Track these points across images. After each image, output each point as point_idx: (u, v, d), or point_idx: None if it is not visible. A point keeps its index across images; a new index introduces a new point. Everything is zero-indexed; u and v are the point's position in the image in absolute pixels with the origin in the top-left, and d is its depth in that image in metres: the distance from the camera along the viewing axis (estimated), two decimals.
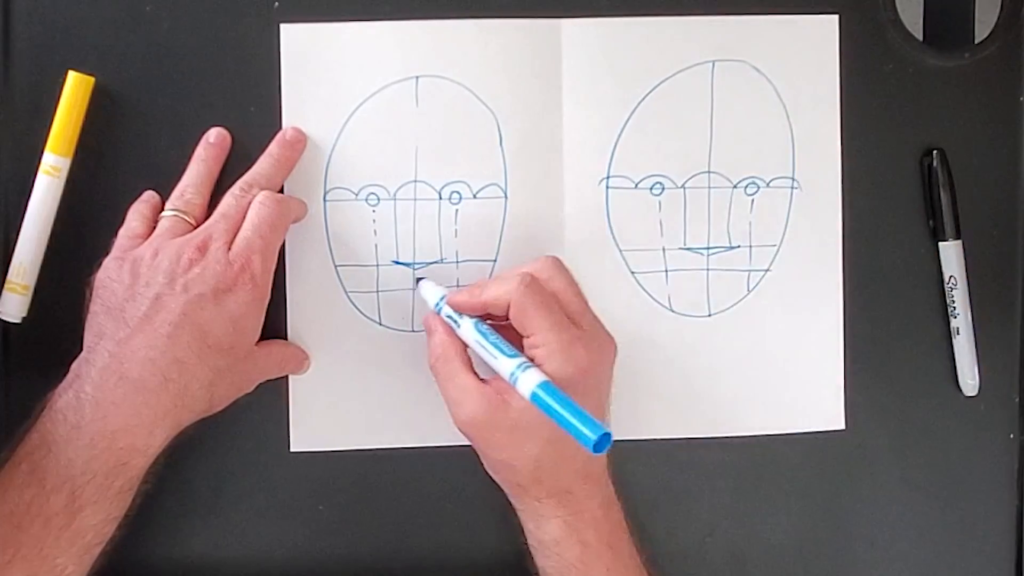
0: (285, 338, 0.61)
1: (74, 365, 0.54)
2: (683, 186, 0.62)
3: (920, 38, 0.64)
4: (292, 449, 0.62)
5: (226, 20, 0.60)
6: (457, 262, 0.62)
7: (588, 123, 0.62)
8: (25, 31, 0.60)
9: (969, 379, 0.64)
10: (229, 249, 0.56)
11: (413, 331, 0.62)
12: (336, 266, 0.61)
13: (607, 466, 0.59)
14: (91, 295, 0.56)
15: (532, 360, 0.54)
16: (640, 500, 0.63)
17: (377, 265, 0.61)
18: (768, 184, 0.63)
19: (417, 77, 0.61)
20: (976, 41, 0.64)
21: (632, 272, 0.62)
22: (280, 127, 0.60)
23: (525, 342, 0.55)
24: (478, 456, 0.58)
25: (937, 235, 0.64)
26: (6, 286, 0.59)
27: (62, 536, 0.51)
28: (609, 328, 0.58)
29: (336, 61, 0.60)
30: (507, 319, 0.55)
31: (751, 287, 0.63)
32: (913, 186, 0.64)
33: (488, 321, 0.56)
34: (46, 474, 0.51)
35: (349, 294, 0.61)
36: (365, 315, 0.61)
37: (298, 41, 0.60)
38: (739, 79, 0.62)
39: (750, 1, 0.62)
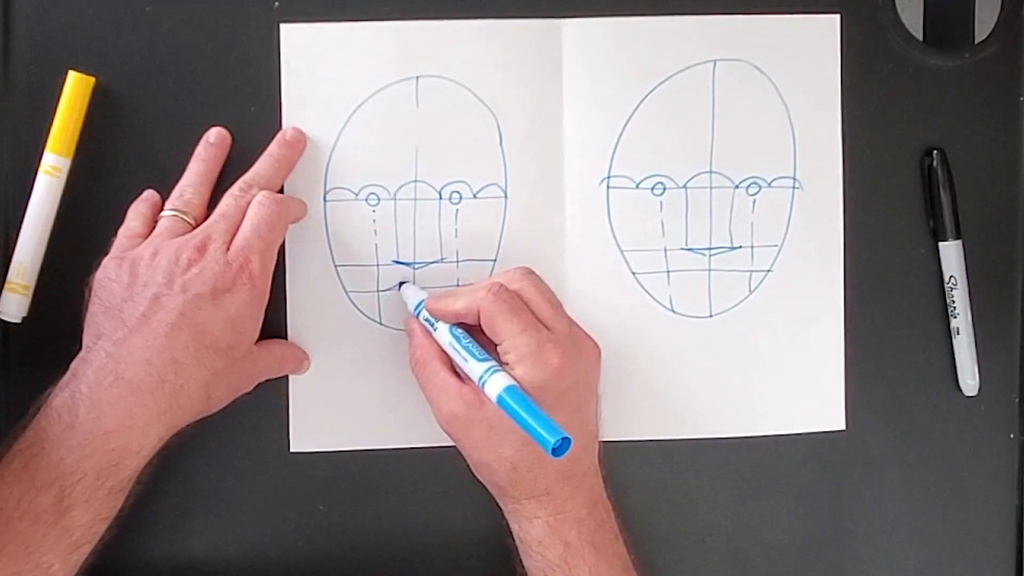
0: (285, 338, 0.61)
1: (72, 364, 0.54)
2: (684, 186, 0.62)
3: (920, 38, 0.64)
4: (292, 449, 0.61)
5: (226, 20, 0.60)
6: (457, 262, 0.62)
7: (589, 123, 0.62)
8: (25, 31, 0.59)
9: (969, 379, 0.64)
10: (228, 249, 0.55)
11: None
12: (336, 266, 0.61)
13: (596, 466, 0.59)
14: (90, 295, 0.56)
15: (505, 365, 0.54)
16: (640, 500, 0.63)
17: (377, 265, 0.61)
18: (770, 184, 0.63)
19: (417, 77, 0.61)
20: (976, 41, 0.64)
21: (633, 272, 0.62)
22: (280, 127, 0.60)
23: (498, 348, 0.55)
24: None
25: (937, 235, 0.64)
26: (6, 286, 0.59)
27: (49, 534, 0.51)
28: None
29: (336, 61, 0.60)
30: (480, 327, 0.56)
31: (752, 287, 0.63)
32: (913, 186, 0.64)
33: (463, 327, 0.57)
34: (36, 471, 0.51)
35: (349, 294, 0.61)
36: (365, 315, 0.61)
37: (298, 41, 0.60)
38: (740, 79, 0.62)
39: (751, 1, 0.62)
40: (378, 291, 0.61)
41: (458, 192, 0.61)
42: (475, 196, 0.62)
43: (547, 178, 0.62)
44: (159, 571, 0.61)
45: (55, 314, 0.59)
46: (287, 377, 0.61)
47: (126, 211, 0.59)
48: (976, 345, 0.64)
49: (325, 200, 0.61)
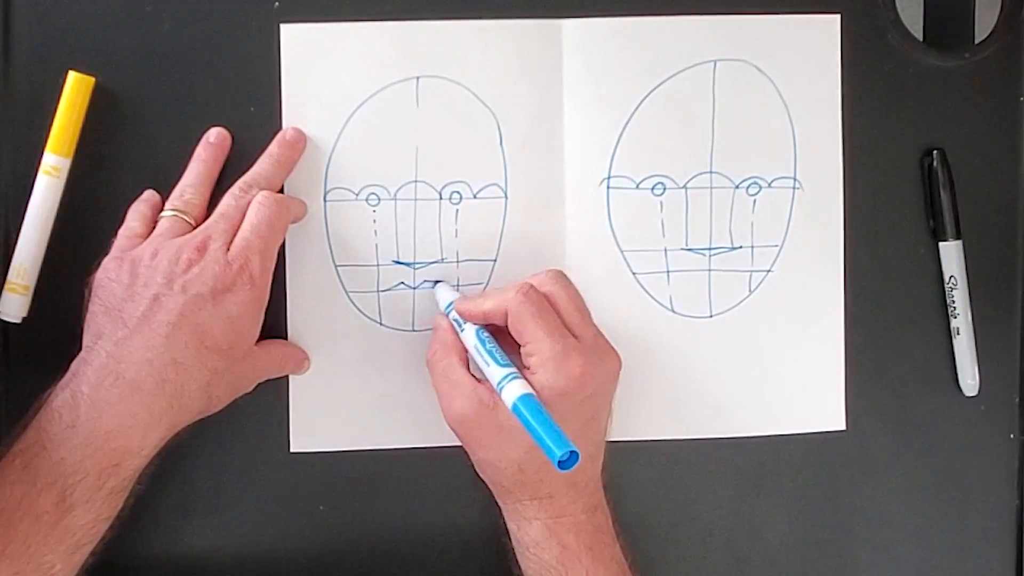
0: (285, 338, 0.61)
1: (72, 364, 0.54)
2: (685, 186, 0.62)
3: (920, 38, 0.64)
4: (292, 449, 0.61)
5: (226, 20, 0.60)
6: (457, 262, 0.62)
7: (589, 123, 0.62)
8: (25, 31, 0.59)
9: (969, 379, 0.64)
10: (228, 249, 0.55)
11: (414, 331, 0.62)
12: (336, 266, 0.61)
13: (599, 474, 0.59)
14: (90, 295, 0.56)
15: (527, 368, 0.54)
16: (640, 500, 0.63)
17: (377, 265, 0.61)
18: (770, 184, 0.63)
19: (417, 77, 0.61)
20: (976, 41, 0.64)
21: (633, 273, 0.62)
22: (280, 127, 0.60)
23: (521, 351, 0.55)
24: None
25: (937, 235, 0.64)
26: (6, 286, 0.59)
27: (51, 534, 0.51)
28: (610, 329, 0.58)
29: (336, 61, 0.60)
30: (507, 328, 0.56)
31: (753, 288, 0.63)
32: (913, 186, 0.64)
33: (490, 329, 0.57)
34: (38, 472, 0.51)
35: (349, 294, 0.61)
36: (365, 315, 0.61)
37: (298, 41, 0.60)
38: (741, 79, 0.62)
39: (751, 1, 0.62)
40: (378, 291, 0.61)
41: (458, 192, 0.61)
42: (475, 196, 0.62)
43: (547, 178, 0.62)
44: (159, 571, 0.61)
45: (55, 314, 0.59)
46: (287, 377, 0.61)
47: (126, 211, 0.59)
48: (976, 345, 0.64)
49: (325, 200, 0.61)
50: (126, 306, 0.54)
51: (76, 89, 0.59)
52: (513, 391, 0.52)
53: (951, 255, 0.63)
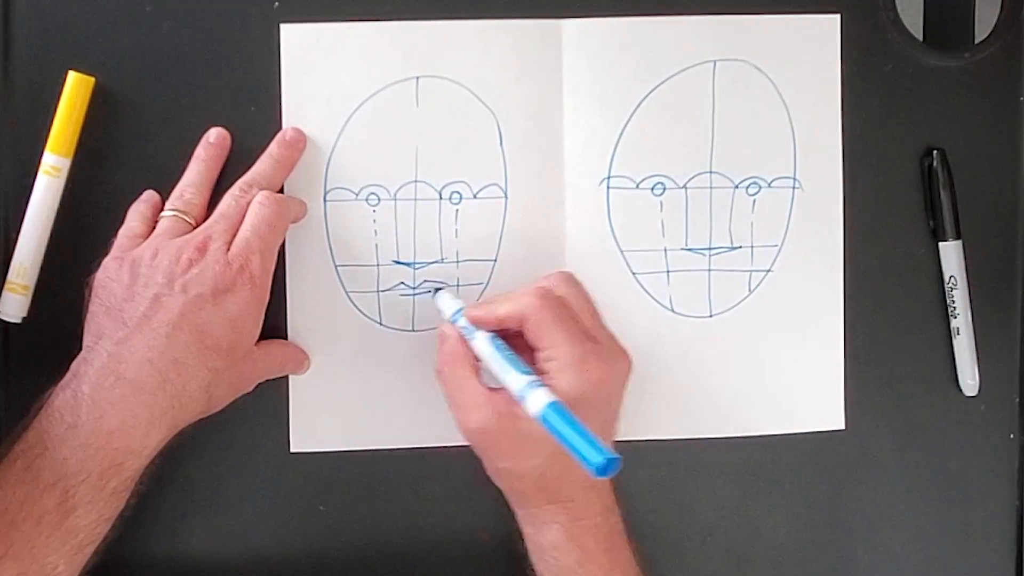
0: (285, 338, 0.61)
1: (73, 364, 0.54)
2: (684, 186, 0.62)
3: (920, 38, 0.64)
4: (292, 449, 0.61)
5: (226, 20, 0.60)
6: (457, 262, 0.62)
7: (589, 123, 0.62)
8: (25, 31, 0.59)
9: (969, 379, 0.64)
10: (228, 249, 0.55)
11: (414, 331, 0.62)
12: (336, 266, 0.61)
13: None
14: (90, 295, 0.56)
15: (544, 372, 0.54)
16: (640, 500, 0.63)
17: (377, 265, 0.61)
18: (770, 184, 0.63)
19: (417, 77, 0.61)
20: (976, 41, 0.64)
21: (633, 273, 0.62)
22: (280, 127, 0.60)
23: (538, 355, 0.55)
24: (478, 459, 0.58)
25: (937, 235, 0.64)
26: (6, 286, 0.59)
27: (54, 535, 0.51)
28: (610, 329, 0.58)
29: (336, 61, 0.60)
30: (519, 333, 0.55)
31: (752, 287, 0.63)
32: (913, 186, 0.64)
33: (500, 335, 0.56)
34: (40, 472, 0.51)
35: (349, 294, 0.61)
36: (365, 315, 0.61)
37: (298, 41, 0.60)
38: (740, 79, 0.62)
39: (751, 1, 0.62)
40: (378, 291, 0.61)
41: (458, 192, 0.61)
42: (475, 196, 0.62)
43: (547, 178, 0.62)
44: (159, 571, 0.61)
45: (55, 314, 0.59)
46: (287, 377, 0.61)
47: (126, 211, 0.59)
48: (976, 345, 0.64)
49: (325, 200, 0.61)
50: (126, 306, 0.54)
51: (76, 89, 0.59)
52: (539, 399, 0.51)
53: (951, 255, 0.63)
